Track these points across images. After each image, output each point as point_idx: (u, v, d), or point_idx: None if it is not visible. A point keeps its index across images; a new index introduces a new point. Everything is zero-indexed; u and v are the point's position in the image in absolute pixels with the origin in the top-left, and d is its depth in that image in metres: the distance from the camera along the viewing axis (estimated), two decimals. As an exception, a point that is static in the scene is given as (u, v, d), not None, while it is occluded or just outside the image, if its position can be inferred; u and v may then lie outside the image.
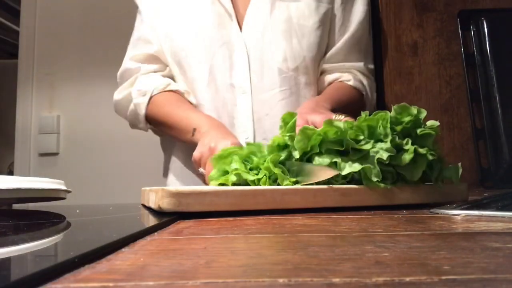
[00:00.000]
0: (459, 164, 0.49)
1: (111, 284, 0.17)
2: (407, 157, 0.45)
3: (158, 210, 0.40)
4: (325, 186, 0.45)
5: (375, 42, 1.01)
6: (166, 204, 0.39)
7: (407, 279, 0.17)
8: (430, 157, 0.46)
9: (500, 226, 0.31)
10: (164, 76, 0.88)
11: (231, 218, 0.39)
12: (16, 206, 0.53)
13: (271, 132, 0.81)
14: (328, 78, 0.88)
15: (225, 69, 0.83)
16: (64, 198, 0.47)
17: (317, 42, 0.84)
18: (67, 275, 0.19)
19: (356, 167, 0.46)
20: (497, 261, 0.20)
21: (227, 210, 0.41)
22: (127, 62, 0.90)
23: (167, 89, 0.84)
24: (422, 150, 0.46)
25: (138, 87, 0.86)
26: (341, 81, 0.87)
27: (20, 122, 1.51)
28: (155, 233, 0.31)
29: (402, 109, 0.48)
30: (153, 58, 0.88)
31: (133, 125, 0.90)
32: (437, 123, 0.48)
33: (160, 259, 0.22)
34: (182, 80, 0.87)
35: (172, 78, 0.88)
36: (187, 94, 0.85)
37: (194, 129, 0.75)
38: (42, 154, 1.50)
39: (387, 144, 0.45)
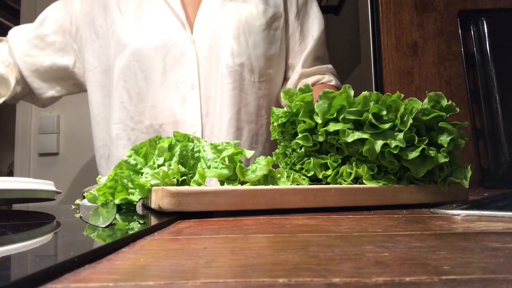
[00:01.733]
0: (469, 166, 0.48)
1: (111, 284, 0.17)
2: (412, 154, 0.45)
3: (158, 210, 0.40)
4: (325, 186, 0.45)
5: (375, 42, 1.01)
6: (166, 204, 0.39)
7: (407, 279, 0.17)
8: (442, 160, 0.46)
9: (500, 226, 0.31)
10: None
11: (231, 218, 0.39)
12: (16, 207, 0.54)
13: (218, 127, 0.85)
14: (308, 81, 0.92)
15: (178, 67, 0.85)
16: (53, 199, 0.47)
17: (263, 42, 0.89)
18: (67, 275, 0.19)
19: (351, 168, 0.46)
20: (497, 261, 0.20)
21: (227, 210, 0.41)
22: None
23: None
24: (432, 152, 0.46)
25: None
26: (323, 83, 0.93)
27: (20, 122, 1.51)
28: (155, 233, 0.31)
29: (438, 97, 0.48)
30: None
31: None
32: (466, 123, 0.48)
33: (160, 259, 0.22)
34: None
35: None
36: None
37: None
38: (42, 154, 1.50)
39: (400, 135, 0.45)
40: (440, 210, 0.41)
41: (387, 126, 0.45)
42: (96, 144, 0.95)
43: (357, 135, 0.46)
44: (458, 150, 0.49)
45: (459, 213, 0.39)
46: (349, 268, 0.19)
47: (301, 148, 0.51)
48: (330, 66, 0.96)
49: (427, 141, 0.46)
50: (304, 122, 0.49)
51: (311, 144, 0.50)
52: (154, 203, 0.41)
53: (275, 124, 0.54)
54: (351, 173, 0.48)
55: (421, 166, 0.47)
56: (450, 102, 0.48)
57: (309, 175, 0.50)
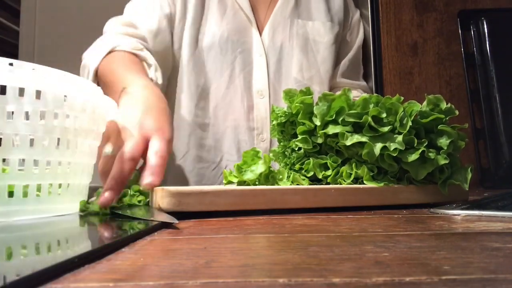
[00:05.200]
0: (469, 168, 0.48)
1: (111, 284, 0.17)
2: (412, 156, 0.45)
3: (158, 210, 0.40)
4: (325, 186, 0.45)
5: (375, 42, 1.01)
6: (166, 204, 0.39)
7: (407, 279, 0.17)
8: (442, 161, 0.46)
9: (500, 226, 0.31)
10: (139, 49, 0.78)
11: (231, 218, 0.39)
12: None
13: None
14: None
15: (245, 73, 0.86)
16: None
17: (330, 57, 0.92)
18: (67, 275, 0.19)
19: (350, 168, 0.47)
20: (497, 261, 0.20)
21: (227, 210, 0.41)
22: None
23: (131, 51, 0.75)
24: (431, 155, 0.46)
25: (102, 40, 0.80)
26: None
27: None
28: (155, 233, 0.31)
29: (437, 100, 0.48)
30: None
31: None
32: (465, 125, 0.48)
33: (160, 259, 0.22)
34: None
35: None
36: (148, 66, 0.76)
37: (124, 88, 0.59)
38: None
39: (399, 138, 0.45)
40: (440, 210, 0.41)
41: (386, 129, 0.45)
42: None
43: (356, 138, 0.46)
44: (458, 151, 0.49)
45: (459, 213, 0.39)
46: (349, 268, 0.19)
47: (299, 150, 0.52)
48: (363, 83, 0.99)
49: (426, 144, 0.46)
50: (304, 124, 0.49)
51: (311, 147, 0.50)
52: (154, 203, 0.41)
53: (274, 123, 0.54)
54: (351, 174, 0.48)
55: (421, 169, 0.47)
56: (449, 105, 0.48)
57: (308, 175, 0.50)
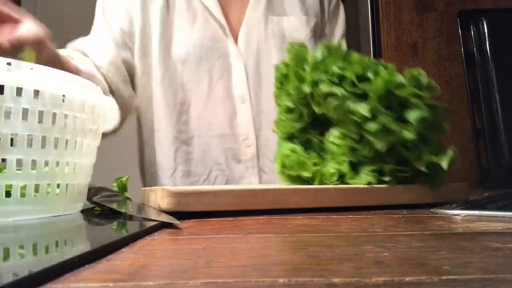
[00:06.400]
0: (451, 151, 0.46)
1: (111, 284, 0.17)
2: (372, 125, 0.44)
3: (158, 210, 0.40)
4: (325, 186, 0.45)
5: (375, 42, 1.01)
6: (166, 204, 0.39)
7: (407, 279, 0.17)
8: (407, 135, 0.44)
9: (500, 226, 0.31)
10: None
11: (231, 218, 0.39)
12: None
13: (273, 140, 0.83)
14: None
15: (224, 80, 0.84)
16: None
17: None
18: (67, 275, 0.19)
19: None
20: (497, 261, 0.20)
21: (227, 210, 0.41)
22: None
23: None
24: (393, 126, 0.44)
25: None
26: None
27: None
28: (155, 233, 0.31)
29: (418, 75, 0.47)
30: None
31: None
32: (445, 105, 0.46)
33: (160, 259, 0.22)
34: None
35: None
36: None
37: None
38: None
39: (364, 104, 0.44)
40: (440, 210, 0.41)
41: (363, 88, 0.45)
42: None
43: (330, 89, 0.45)
44: (437, 132, 0.47)
45: (459, 213, 0.39)
46: (349, 268, 0.19)
47: (292, 111, 0.52)
48: None
49: (393, 116, 0.45)
50: (296, 72, 0.50)
51: (302, 96, 0.50)
52: (154, 203, 0.41)
53: (277, 74, 0.55)
54: (334, 173, 0.48)
55: (382, 139, 0.45)
56: (429, 80, 0.47)
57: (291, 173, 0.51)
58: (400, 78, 0.46)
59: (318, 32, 0.92)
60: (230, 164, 0.84)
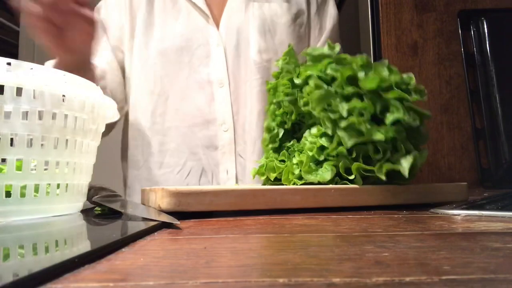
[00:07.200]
0: (413, 153, 0.44)
1: (111, 284, 0.17)
2: (342, 122, 0.45)
3: (158, 210, 0.40)
4: (325, 186, 0.45)
5: (375, 42, 1.01)
6: (166, 204, 0.39)
7: (407, 279, 0.17)
8: (376, 135, 0.43)
9: (500, 226, 0.31)
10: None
11: (231, 218, 0.39)
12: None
13: (249, 122, 0.85)
14: None
15: (202, 67, 0.85)
16: None
17: (289, 38, 0.90)
18: (67, 275, 0.19)
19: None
20: (497, 261, 0.20)
21: (227, 210, 0.41)
22: None
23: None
24: (362, 126, 0.43)
25: None
26: None
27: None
28: (155, 233, 0.31)
29: (409, 79, 0.47)
30: None
31: None
32: (428, 114, 0.46)
33: (160, 259, 0.22)
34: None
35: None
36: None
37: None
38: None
39: (345, 102, 0.45)
40: (440, 210, 0.41)
41: (350, 89, 0.45)
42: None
43: (318, 82, 0.45)
44: (424, 142, 0.47)
45: (459, 213, 0.39)
46: (349, 268, 0.19)
47: (280, 107, 0.53)
48: None
49: (367, 116, 0.44)
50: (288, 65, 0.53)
51: (291, 93, 0.51)
52: (154, 203, 0.41)
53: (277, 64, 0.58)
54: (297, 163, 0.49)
55: (351, 137, 0.44)
56: (416, 84, 0.47)
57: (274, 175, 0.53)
58: (388, 80, 0.45)
59: (304, 23, 0.92)
60: (206, 152, 0.84)
